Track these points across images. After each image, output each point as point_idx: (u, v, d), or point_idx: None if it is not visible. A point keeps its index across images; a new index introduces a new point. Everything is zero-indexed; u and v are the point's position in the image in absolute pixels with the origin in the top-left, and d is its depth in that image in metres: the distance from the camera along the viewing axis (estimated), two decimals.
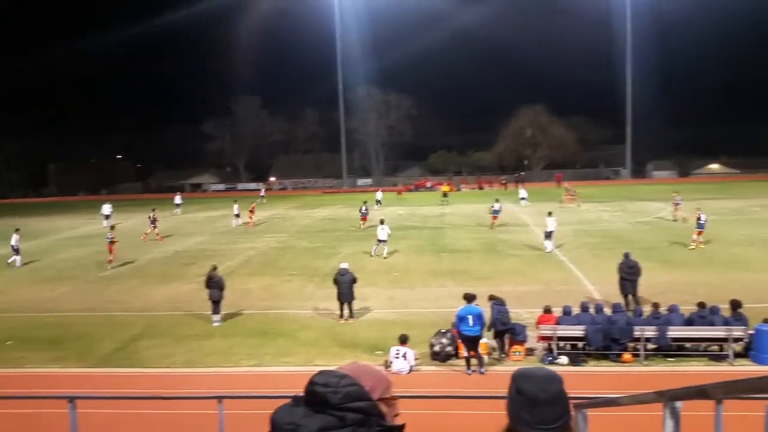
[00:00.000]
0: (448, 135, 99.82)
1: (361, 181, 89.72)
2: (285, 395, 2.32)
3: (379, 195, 50.84)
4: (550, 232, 26.60)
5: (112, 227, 28.23)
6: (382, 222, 27.37)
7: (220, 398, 7.43)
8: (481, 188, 72.31)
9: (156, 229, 34.93)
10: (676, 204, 34.86)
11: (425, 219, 40.70)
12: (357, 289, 17.83)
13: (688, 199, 38.81)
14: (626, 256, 17.72)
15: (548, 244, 26.65)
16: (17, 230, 28.80)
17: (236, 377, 13.51)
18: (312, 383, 1.91)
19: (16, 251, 27.98)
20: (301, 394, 1.93)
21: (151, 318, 18.48)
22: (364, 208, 36.80)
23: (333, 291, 17.73)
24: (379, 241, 26.84)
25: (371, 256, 26.55)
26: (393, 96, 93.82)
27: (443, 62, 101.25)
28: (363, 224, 35.72)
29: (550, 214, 27.37)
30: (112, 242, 26.60)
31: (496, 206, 35.10)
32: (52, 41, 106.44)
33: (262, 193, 67.28)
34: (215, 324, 17.25)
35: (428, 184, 72.92)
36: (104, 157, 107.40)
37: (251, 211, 40.26)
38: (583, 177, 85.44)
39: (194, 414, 10.46)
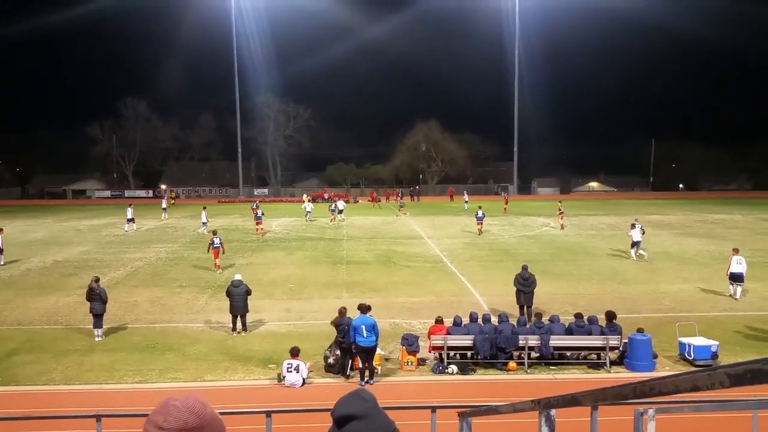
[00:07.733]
0: (347, 147, 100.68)
1: (258, 191, 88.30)
2: None
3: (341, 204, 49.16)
4: (636, 242, 27.67)
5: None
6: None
7: (98, 417, 7.10)
8: (378, 201, 73.07)
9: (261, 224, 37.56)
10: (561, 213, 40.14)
11: (322, 230, 40.64)
12: (252, 302, 17.53)
13: (568, 214, 42.52)
14: (524, 268, 18.21)
15: (634, 252, 27.82)
16: None
17: (119, 394, 12.89)
18: None
19: None
20: None
21: (28, 332, 17.30)
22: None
23: (226, 303, 17.34)
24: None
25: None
26: (292, 106, 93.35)
27: (343, 75, 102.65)
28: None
29: (634, 226, 28.22)
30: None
31: (480, 213, 36.97)
32: None
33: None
34: (97, 338, 16.44)
35: (326, 196, 72.97)
36: None
37: (256, 214, 39.28)
38: (473, 192, 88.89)
39: None
